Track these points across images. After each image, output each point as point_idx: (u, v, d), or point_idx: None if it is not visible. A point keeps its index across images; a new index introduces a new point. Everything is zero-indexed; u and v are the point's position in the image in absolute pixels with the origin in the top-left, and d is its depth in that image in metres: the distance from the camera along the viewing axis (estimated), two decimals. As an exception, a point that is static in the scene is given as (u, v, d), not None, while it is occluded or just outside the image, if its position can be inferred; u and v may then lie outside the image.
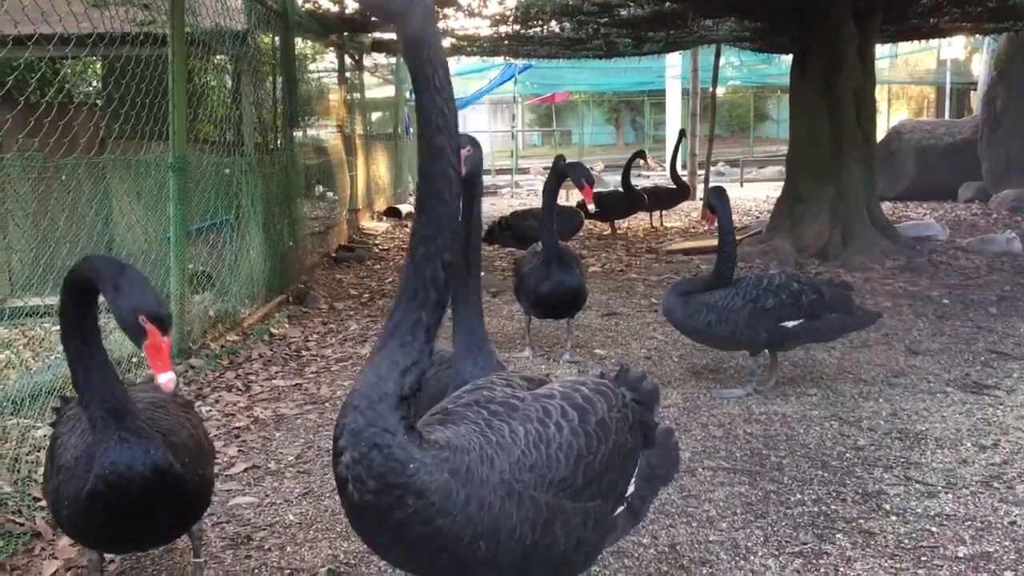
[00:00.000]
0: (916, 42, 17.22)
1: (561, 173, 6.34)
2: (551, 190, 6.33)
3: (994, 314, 7.32)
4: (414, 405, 2.03)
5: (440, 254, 2.02)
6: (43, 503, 3.62)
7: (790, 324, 5.24)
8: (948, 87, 30.73)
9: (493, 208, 17.77)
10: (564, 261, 6.01)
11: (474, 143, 3.26)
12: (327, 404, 5.40)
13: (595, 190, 15.36)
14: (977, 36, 19.50)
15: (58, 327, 5.84)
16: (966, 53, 31.48)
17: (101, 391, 2.57)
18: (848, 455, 4.35)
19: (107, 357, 2.64)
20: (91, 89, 10.99)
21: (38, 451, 4.15)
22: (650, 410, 2.76)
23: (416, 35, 1.96)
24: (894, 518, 3.63)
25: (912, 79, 36.28)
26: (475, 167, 3.22)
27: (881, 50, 18.86)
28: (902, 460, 4.26)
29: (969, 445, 4.43)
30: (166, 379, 2.36)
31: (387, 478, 1.95)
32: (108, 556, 3.25)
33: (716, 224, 5.45)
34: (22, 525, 3.57)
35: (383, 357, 2.02)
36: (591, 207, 6.08)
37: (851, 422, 4.82)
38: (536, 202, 14.61)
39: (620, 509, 2.49)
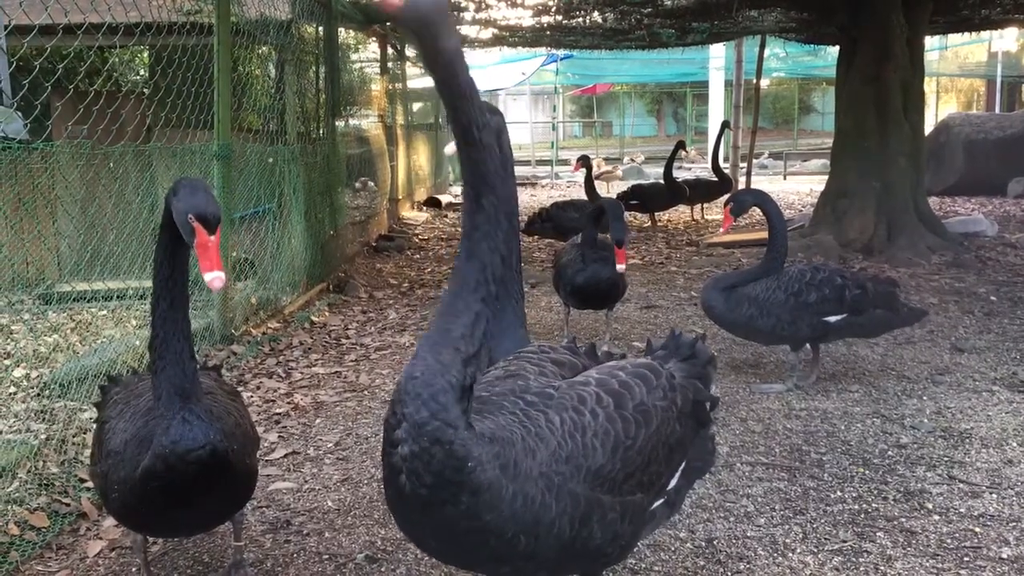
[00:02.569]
0: (966, 34, 16.85)
1: (599, 211, 6.15)
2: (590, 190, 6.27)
3: (1043, 312, 7.17)
4: (472, 396, 2.01)
5: (499, 246, 2.02)
6: (89, 484, 3.70)
7: (833, 319, 5.18)
8: (999, 80, 30.10)
9: (533, 199, 17.75)
10: (602, 253, 6.00)
11: (492, 110, 3.07)
12: (366, 392, 5.44)
13: (636, 182, 15.28)
14: (1030, 28, 19.08)
15: (104, 311, 5.94)
16: (1018, 45, 30.80)
17: (175, 364, 2.59)
18: (890, 453, 4.29)
19: (189, 331, 2.66)
20: (138, 78, 11.15)
21: (84, 433, 4.23)
22: (706, 381, 2.67)
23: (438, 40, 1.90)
24: (937, 517, 3.58)
25: (962, 72, 35.55)
26: (500, 135, 2.98)
27: (930, 42, 18.52)
28: (946, 459, 4.19)
29: (1015, 445, 4.35)
30: (211, 277, 2.41)
31: (445, 475, 1.92)
32: (152, 539, 3.30)
33: (731, 226, 5.47)
34: (68, 505, 3.65)
35: (444, 344, 1.98)
36: (620, 267, 5.78)
37: (894, 419, 4.75)
38: (576, 193, 14.58)
39: (659, 502, 2.45)
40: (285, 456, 4.39)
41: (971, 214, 13.22)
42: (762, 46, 16.12)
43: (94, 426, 3.06)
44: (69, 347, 5.73)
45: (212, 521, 2.91)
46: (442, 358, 1.96)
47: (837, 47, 11.80)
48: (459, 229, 12.05)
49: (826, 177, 11.65)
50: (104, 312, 6.16)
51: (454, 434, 1.92)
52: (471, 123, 1.97)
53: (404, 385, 1.96)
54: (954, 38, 22.93)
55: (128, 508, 2.66)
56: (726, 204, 5.59)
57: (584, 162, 11.92)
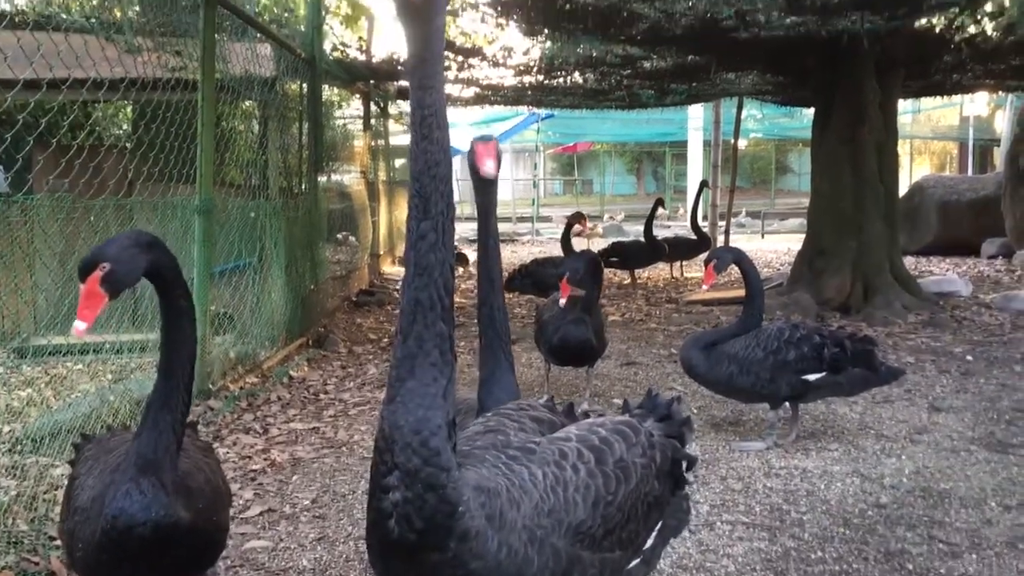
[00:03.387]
0: (939, 98, 17.25)
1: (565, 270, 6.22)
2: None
3: (1018, 372, 7.22)
4: (456, 428, 1.98)
5: (449, 259, 1.97)
6: (59, 542, 3.62)
7: (812, 377, 5.20)
8: (971, 143, 30.74)
9: (514, 255, 17.83)
10: (580, 313, 6.01)
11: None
12: (344, 448, 5.39)
13: (616, 240, 15.40)
14: (1000, 93, 19.56)
15: (80, 365, 5.87)
16: (989, 110, 31.53)
17: (150, 432, 2.55)
18: (870, 512, 4.28)
19: (180, 401, 2.61)
20: (121, 132, 11.18)
21: (55, 490, 4.15)
22: (682, 441, 2.67)
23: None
24: (917, 578, 3.56)
25: (935, 134, 36.36)
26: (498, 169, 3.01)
27: (904, 105, 18.92)
28: (925, 519, 4.19)
29: (994, 505, 4.35)
30: (75, 324, 2.39)
31: (436, 519, 1.90)
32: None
33: (713, 282, 5.53)
34: (37, 564, 3.56)
35: (419, 383, 1.93)
36: (562, 301, 5.92)
37: (873, 479, 4.75)
38: (557, 250, 14.66)
39: (636, 560, 2.44)
40: (260, 514, 4.32)
41: (946, 274, 13.38)
42: (739, 107, 16.43)
43: (66, 482, 3.01)
44: (43, 402, 5.65)
45: None
46: (423, 400, 1.92)
47: (812, 109, 12.03)
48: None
49: (803, 236, 11.79)
50: (80, 366, 6.10)
51: (447, 477, 1.90)
52: (434, 114, 1.95)
53: (390, 434, 1.92)
54: (927, 102, 23.44)
55: (92, 567, 2.61)
56: (707, 261, 5.64)
57: (578, 218, 11.86)
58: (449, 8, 9.92)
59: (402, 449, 1.90)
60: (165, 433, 2.56)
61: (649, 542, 2.49)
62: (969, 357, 7.81)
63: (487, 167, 2.94)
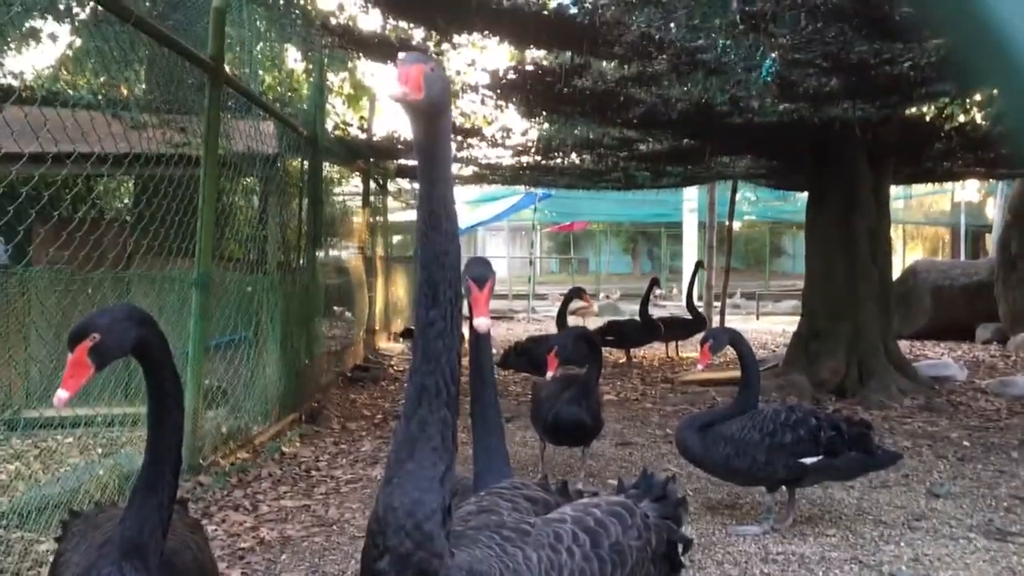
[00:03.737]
0: (930, 184, 17.52)
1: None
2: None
3: (1016, 458, 7.18)
4: (451, 515, 1.96)
5: (457, 346, 1.98)
6: (40, 621, 3.54)
7: (808, 460, 5.16)
8: (963, 229, 31.08)
9: (509, 333, 17.83)
10: (575, 392, 5.99)
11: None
12: (335, 527, 5.30)
13: (612, 318, 15.41)
14: (990, 180, 19.86)
15: (71, 439, 5.82)
16: (980, 196, 31.98)
17: (136, 516, 2.50)
18: (869, 601, 4.20)
19: (167, 483, 2.55)
20: (122, 206, 11.28)
21: (40, 566, 4.07)
22: (678, 522, 2.63)
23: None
24: (918, 671, 3.48)
25: (927, 220, 36.79)
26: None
27: (896, 191, 19.17)
28: (925, 608, 4.11)
29: (995, 595, 4.28)
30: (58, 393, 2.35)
31: None
32: None
33: (708, 363, 5.53)
34: (17, 644, 3.48)
35: (418, 466, 1.91)
36: (549, 375, 5.95)
37: (872, 566, 4.67)
38: (552, 328, 14.68)
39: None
40: (248, 594, 4.23)
41: (941, 358, 13.39)
42: (733, 190, 16.65)
43: (51, 559, 2.95)
44: (31, 475, 5.58)
45: None
46: (420, 483, 1.90)
47: (806, 193, 12.20)
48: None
49: (798, 318, 11.83)
50: (70, 439, 6.04)
51: (440, 564, 1.87)
52: (442, 206, 1.98)
53: (384, 516, 1.90)
54: (918, 188, 23.80)
55: None
56: (703, 341, 5.65)
57: (578, 293, 11.84)
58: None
59: (395, 532, 1.88)
60: (151, 516, 2.52)
61: (645, 630, 2.44)
62: (966, 442, 7.77)
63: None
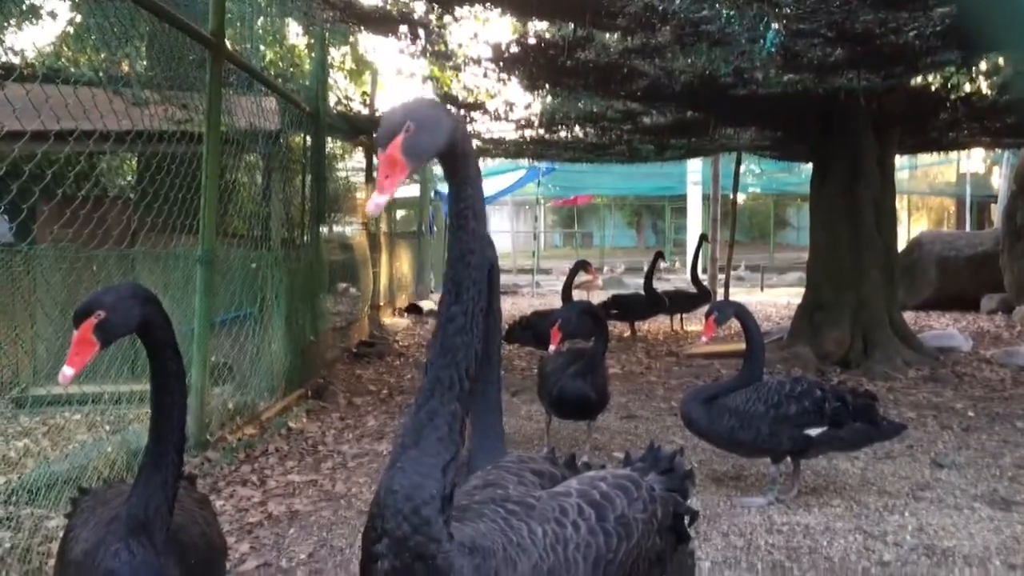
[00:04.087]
0: (936, 154, 17.43)
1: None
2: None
3: (1020, 428, 7.19)
4: (452, 503, 1.98)
5: (475, 343, 2.01)
6: (52, 596, 3.57)
7: (813, 432, 5.18)
8: (968, 199, 30.96)
9: (513, 307, 17.84)
10: (580, 367, 6.00)
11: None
12: (342, 501, 5.34)
13: (616, 292, 15.42)
14: (996, 150, 19.75)
15: (79, 416, 5.84)
16: (985, 166, 31.82)
17: (139, 494, 2.52)
18: (873, 571, 4.23)
19: (171, 462, 2.58)
20: (125, 183, 11.27)
21: (50, 542, 4.11)
22: (684, 495, 2.64)
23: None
24: (922, 638, 3.51)
25: (932, 190, 36.62)
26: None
27: (901, 161, 19.12)
28: (929, 577, 4.14)
29: (998, 563, 4.30)
30: (62, 370, 2.36)
31: None
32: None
33: (713, 335, 5.53)
34: (29, 618, 3.52)
35: (421, 452, 1.94)
36: (551, 348, 6.09)
37: (876, 536, 4.70)
38: (557, 302, 14.72)
39: (637, 622, 2.40)
40: (256, 568, 4.27)
41: (946, 329, 13.38)
42: (738, 163, 16.58)
43: (61, 534, 2.98)
44: (40, 452, 5.62)
45: None
46: (422, 468, 1.92)
47: (810, 165, 12.15)
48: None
49: (802, 290, 11.82)
50: (78, 417, 6.07)
51: (437, 548, 1.88)
52: (470, 208, 2.01)
53: (383, 499, 1.92)
54: (924, 158, 23.72)
55: None
56: (708, 314, 5.65)
57: (584, 266, 11.89)
58: (451, 64, 10.09)
59: (392, 515, 1.90)
60: (156, 494, 2.54)
61: (650, 601, 2.45)
62: (971, 413, 7.78)
63: None
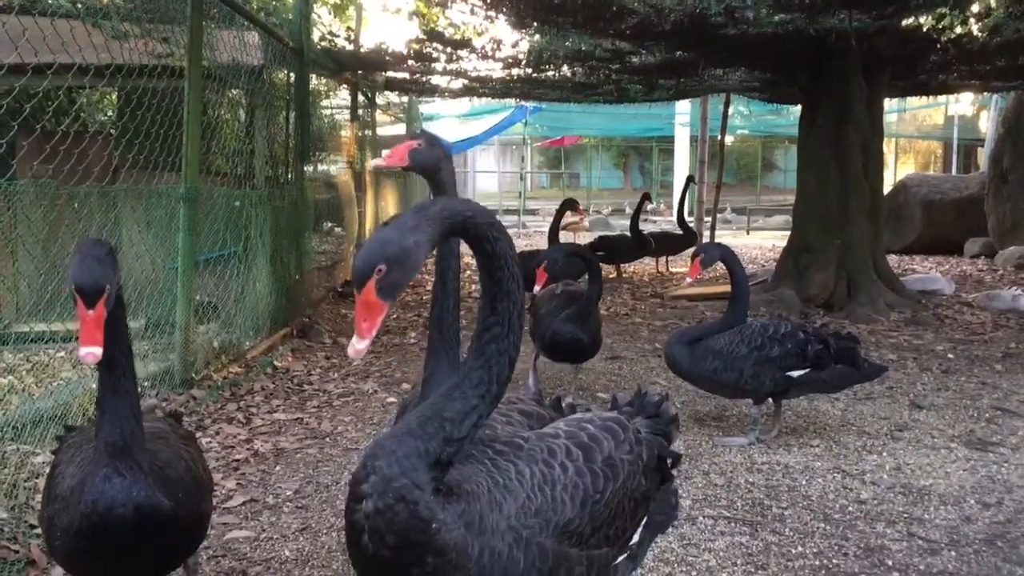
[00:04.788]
0: (924, 97, 17.34)
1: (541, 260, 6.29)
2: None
3: (999, 371, 7.29)
4: (445, 472, 2.01)
5: (509, 350, 2.06)
6: (39, 531, 3.60)
7: (795, 373, 5.23)
8: (955, 143, 30.94)
9: (499, 248, 17.80)
10: (573, 310, 5.97)
11: (431, 141, 2.95)
12: (327, 439, 5.38)
13: (602, 233, 15.36)
14: (985, 93, 19.68)
15: (63, 353, 5.83)
16: (974, 110, 31.76)
17: (111, 423, 2.53)
18: (851, 508, 4.31)
19: (131, 388, 2.60)
20: (106, 119, 11.10)
21: (37, 478, 4.13)
22: (669, 439, 2.70)
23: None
24: (896, 574, 3.60)
25: (920, 134, 36.56)
26: (431, 162, 2.89)
27: (889, 104, 19.00)
28: (905, 515, 4.22)
29: (973, 502, 4.39)
30: (83, 352, 2.30)
31: (409, 535, 1.91)
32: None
33: (698, 276, 5.54)
34: (17, 552, 3.55)
35: (435, 415, 2.01)
36: (536, 288, 6.10)
37: (854, 475, 4.78)
38: (543, 243, 14.73)
39: (623, 556, 2.45)
40: (243, 504, 4.31)
41: (929, 273, 13.48)
42: (726, 104, 16.46)
43: (47, 471, 2.99)
44: (24, 389, 5.62)
45: (158, 569, 2.83)
46: (427, 426, 1.99)
47: (799, 107, 12.08)
48: (427, 275, 11.95)
49: (788, 233, 11.84)
50: (62, 354, 6.06)
51: (419, 495, 1.92)
52: (484, 238, 2.02)
53: (380, 440, 1.98)
54: (912, 101, 23.55)
55: (70, 555, 2.59)
56: (694, 255, 5.65)
57: (572, 205, 11.78)
58: (437, 0, 9.90)
59: (386, 454, 1.95)
60: (126, 419, 2.54)
61: (636, 538, 2.50)
62: (951, 355, 7.87)
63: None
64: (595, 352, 6.25)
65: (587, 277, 6.21)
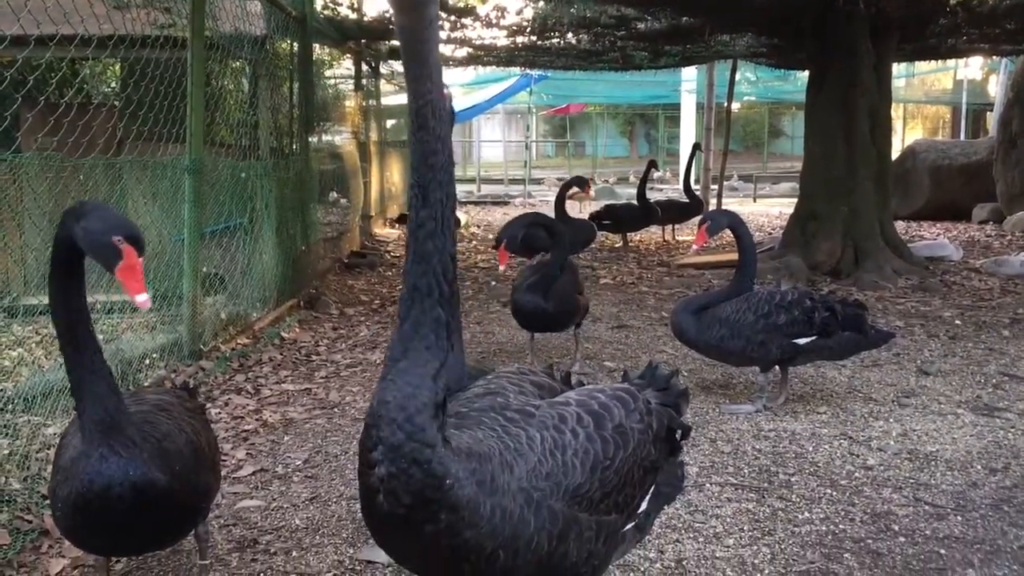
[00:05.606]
0: (933, 62, 17.19)
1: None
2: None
3: (1007, 336, 7.28)
4: (445, 409, 1.99)
5: (448, 246, 1.98)
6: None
7: (802, 341, 5.23)
8: (964, 107, 30.68)
9: (505, 218, 17.79)
10: (535, 279, 5.96)
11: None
12: (336, 409, 5.41)
13: (608, 202, 15.34)
14: (994, 57, 19.47)
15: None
16: (983, 74, 31.44)
17: (93, 403, 2.53)
18: (857, 474, 4.33)
19: (103, 365, 2.59)
20: (109, 90, 11.06)
21: (48, 448, 4.17)
22: (678, 412, 2.72)
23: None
24: (903, 539, 3.62)
25: (928, 99, 36.24)
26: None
27: (897, 69, 18.86)
28: (912, 481, 4.24)
29: (979, 468, 4.40)
30: (143, 299, 2.35)
31: (424, 493, 1.92)
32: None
33: (704, 244, 5.53)
34: (30, 522, 3.59)
35: (411, 363, 1.95)
36: (501, 268, 6.10)
37: (861, 441, 4.80)
38: (547, 212, 14.71)
39: (631, 525, 2.48)
40: (253, 474, 4.35)
41: (936, 239, 13.43)
42: (733, 70, 16.33)
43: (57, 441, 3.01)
44: (34, 361, 5.65)
45: (159, 543, 2.86)
46: (411, 379, 1.94)
47: (807, 72, 11.98)
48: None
49: (795, 200, 11.79)
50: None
51: (431, 453, 1.91)
52: (429, 105, 1.94)
53: (377, 409, 1.94)
54: (920, 65, 23.38)
55: (69, 529, 2.62)
56: (701, 222, 5.64)
57: (582, 183, 11.67)
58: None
59: (387, 424, 1.92)
60: (107, 396, 2.54)
61: (643, 506, 2.53)
62: (958, 321, 7.86)
63: None
64: (569, 320, 6.17)
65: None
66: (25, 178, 5.08)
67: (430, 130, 1.94)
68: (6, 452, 4.07)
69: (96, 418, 2.52)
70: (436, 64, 1.94)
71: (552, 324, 6.14)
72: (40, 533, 3.54)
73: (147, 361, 5.55)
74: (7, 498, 3.69)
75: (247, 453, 4.63)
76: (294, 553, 3.49)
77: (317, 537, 3.65)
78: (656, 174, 17.28)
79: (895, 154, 15.80)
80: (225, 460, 4.38)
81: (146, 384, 5.11)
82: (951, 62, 22.67)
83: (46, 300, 5.58)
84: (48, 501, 3.60)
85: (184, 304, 6.02)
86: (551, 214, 10.89)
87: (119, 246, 2.38)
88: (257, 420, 5.15)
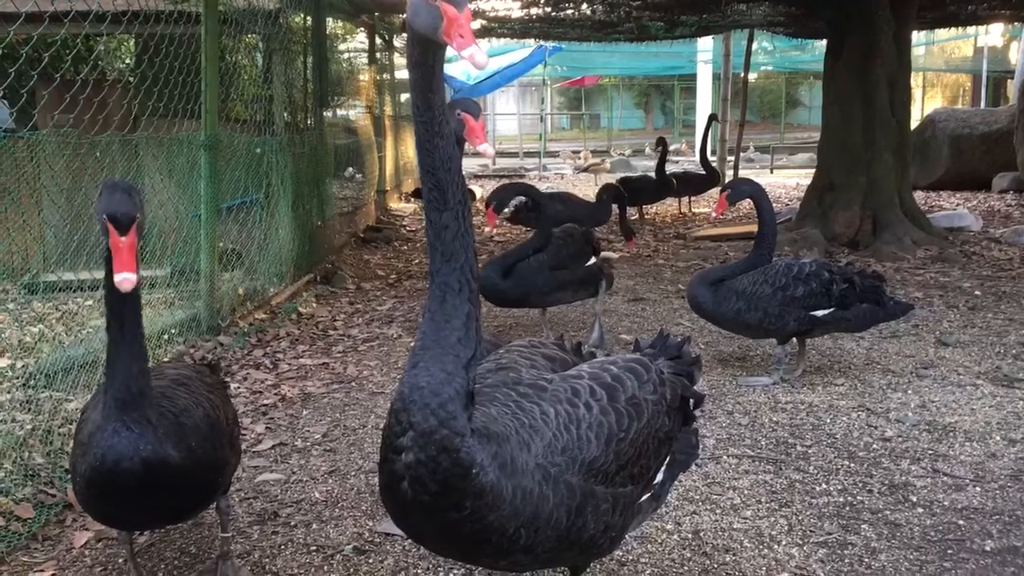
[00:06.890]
0: (953, 29, 16.94)
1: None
2: None
3: (1027, 307, 7.22)
4: (474, 400, 2.02)
5: (472, 243, 2.03)
6: (74, 475, 3.69)
7: (820, 313, 5.20)
8: (984, 75, 30.26)
9: (521, 191, 17.73)
10: (499, 257, 6.00)
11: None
12: (353, 383, 5.44)
13: (624, 174, 15.27)
14: (1016, 24, 19.17)
15: (91, 301, 5.91)
16: (1004, 41, 30.97)
17: (120, 379, 2.56)
18: (875, 446, 4.32)
19: (140, 347, 2.62)
20: (124, 66, 11.07)
21: (70, 423, 4.21)
22: (691, 380, 2.72)
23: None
24: (921, 510, 3.61)
25: (948, 67, 35.75)
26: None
27: (917, 37, 18.56)
28: (930, 452, 4.23)
29: (998, 439, 4.39)
30: (120, 279, 2.36)
31: (450, 482, 1.93)
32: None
33: (723, 213, 5.49)
34: (54, 496, 3.64)
35: (443, 351, 1.98)
36: (487, 230, 6.04)
37: (879, 413, 4.78)
38: (563, 185, 14.64)
39: (647, 495, 2.49)
40: (272, 447, 4.39)
41: (956, 209, 13.30)
42: (750, 40, 16.16)
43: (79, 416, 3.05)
44: (55, 337, 5.70)
45: (180, 515, 2.89)
46: (446, 366, 1.96)
47: (824, 41, 11.83)
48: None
49: (813, 171, 11.69)
50: (90, 302, 6.13)
51: (461, 442, 1.93)
52: (442, 112, 1.99)
53: (409, 394, 1.95)
54: (940, 33, 23.01)
55: (86, 501, 2.66)
56: (722, 190, 5.59)
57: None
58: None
59: (420, 409, 1.93)
60: (136, 375, 2.57)
61: (659, 476, 2.54)
62: (977, 292, 7.80)
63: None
64: (539, 300, 6.12)
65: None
66: (42, 155, 5.11)
67: (444, 135, 2.00)
68: (29, 427, 4.12)
69: (119, 395, 2.55)
70: (441, 77, 2.01)
71: (512, 302, 6.12)
72: (64, 507, 3.60)
73: (166, 336, 5.60)
74: (31, 472, 3.74)
75: (266, 427, 4.67)
76: (314, 525, 3.53)
77: (336, 510, 3.68)
78: (672, 147, 17.12)
79: (914, 124, 15.62)
80: (245, 434, 4.41)
81: (166, 359, 5.16)
82: (971, 29, 22.37)
83: (65, 276, 5.64)
84: (69, 475, 3.66)
85: (202, 280, 6.05)
86: (567, 189, 10.85)
87: (107, 224, 2.43)
88: (276, 394, 5.18)
